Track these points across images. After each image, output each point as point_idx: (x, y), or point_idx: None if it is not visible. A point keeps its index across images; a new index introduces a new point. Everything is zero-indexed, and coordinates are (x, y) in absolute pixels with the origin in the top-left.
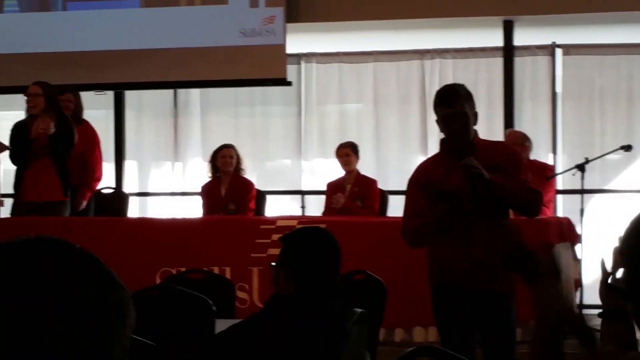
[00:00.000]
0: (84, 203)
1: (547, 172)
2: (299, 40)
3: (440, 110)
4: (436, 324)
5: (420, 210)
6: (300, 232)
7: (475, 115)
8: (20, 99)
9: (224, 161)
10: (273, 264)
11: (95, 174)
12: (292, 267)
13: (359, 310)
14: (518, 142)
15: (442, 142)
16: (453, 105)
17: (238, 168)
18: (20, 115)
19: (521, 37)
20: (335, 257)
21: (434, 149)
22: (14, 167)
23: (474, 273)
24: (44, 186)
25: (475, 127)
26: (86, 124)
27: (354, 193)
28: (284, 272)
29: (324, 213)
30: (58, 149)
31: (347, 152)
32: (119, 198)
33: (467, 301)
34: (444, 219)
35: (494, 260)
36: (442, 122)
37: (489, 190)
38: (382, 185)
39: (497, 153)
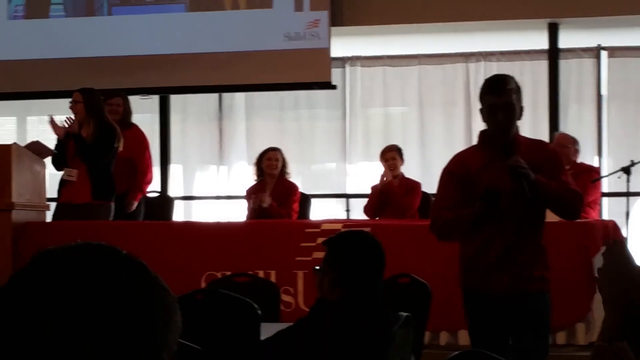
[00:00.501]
0: (134, 204)
1: (592, 175)
2: (344, 44)
3: (488, 99)
4: (468, 330)
5: (453, 203)
6: (344, 235)
7: (521, 109)
8: (67, 103)
9: (269, 164)
10: (317, 267)
11: (145, 177)
12: (336, 272)
13: (404, 314)
14: (567, 145)
15: (482, 134)
16: (501, 95)
17: (283, 171)
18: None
19: (566, 40)
20: (380, 261)
21: None
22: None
23: (500, 271)
24: (74, 189)
25: (519, 123)
26: (135, 128)
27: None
28: (328, 276)
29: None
30: (89, 153)
31: (394, 155)
32: (164, 202)
33: (499, 307)
34: (480, 219)
35: (523, 263)
36: (486, 112)
37: (534, 191)
38: (427, 188)
39: (538, 152)
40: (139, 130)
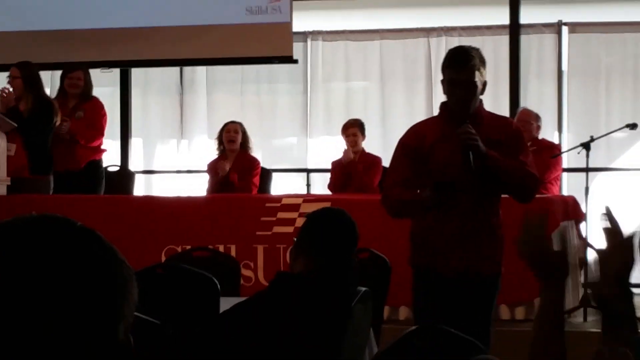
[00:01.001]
0: (65, 126)
1: (553, 151)
2: (305, 18)
3: (449, 73)
4: (412, 308)
5: (405, 177)
6: (322, 211)
7: (484, 83)
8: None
9: (229, 136)
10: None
11: (96, 138)
12: (304, 245)
13: (363, 288)
14: (530, 121)
15: (443, 105)
16: (461, 70)
17: (245, 145)
18: None
19: (527, 15)
20: (353, 238)
21: None
22: None
23: (449, 255)
24: (11, 163)
25: (482, 97)
26: (95, 100)
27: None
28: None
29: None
30: (26, 127)
31: (355, 131)
32: (124, 176)
33: (450, 288)
34: (429, 207)
35: (474, 241)
36: (446, 86)
37: (483, 164)
38: (387, 163)
39: (500, 128)
40: (99, 103)
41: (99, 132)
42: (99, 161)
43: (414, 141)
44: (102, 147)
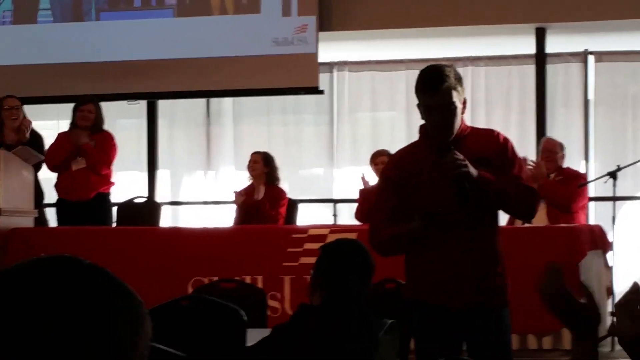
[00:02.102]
0: (83, 140)
1: (579, 180)
2: (332, 49)
3: (422, 98)
4: (415, 345)
5: (391, 214)
6: (336, 243)
7: (464, 102)
8: (57, 108)
9: (249, 166)
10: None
11: (103, 163)
12: (323, 277)
13: (389, 320)
14: (554, 150)
15: (422, 129)
16: (435, 94)
17: (273, 177)
18: (57, 124)
19: (553, 44)
20: (366, 268)
21: None
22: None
23: (455, 289)
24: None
25: (465, 119)
26: (106, 133)
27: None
28: (317, 282)
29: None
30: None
31: (384, 160)
32: (151, 207)
33: (451, 321)
34: (417, 239)
35: (480, 272)
36: (422, 111)
37: (478, 191)
38: None
39: (487, 144)
40: (110, 135)
41: (107, 161)
42: (107, 194)
43: (395, 171)
44: (111, 179)
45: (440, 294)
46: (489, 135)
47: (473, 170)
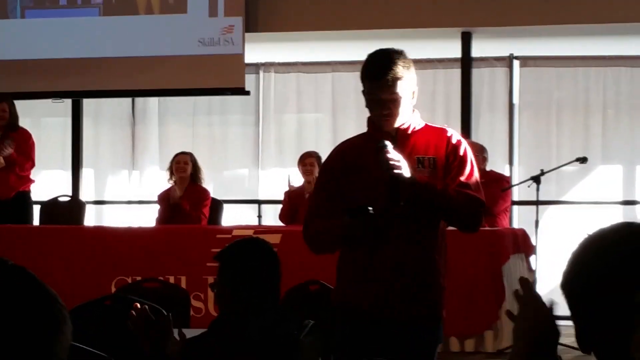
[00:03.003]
0: (7, 151)
1: (502, 184)
2: (258, 50)
3: (368, 86)
4: (335, 351)
5: (326, 207)
6: (234, 247)
7: (414, 93)
8: None
9: (179, 167)
10: (211, 284)
11: (25, 162)
12: (233, 284)
13: (310, 321)
14: (474, 153)
15: (369, 120)
16: (381, 80)
17: (196, 176)
18: None
19: (479, 49)
20: (275, 266)
21: None
22: None
23: (385, 298)
24: None
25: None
26: (22, 130)
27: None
28: (227, 290)
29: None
30: None
31: (312, 161)
32: (75, 206)
33: (377, 331)
34: (347, 237)
35: (414, 282)
36: (366, 100)
37: (412, 195)
38: None
39: (435, 143)
40: (27, 132)
41: (30, 160)
42: (28, 192)
43: (334, 163)
44: (32, 177)
45: (369, 301)
46: (440, 135)
47: (407, 173)
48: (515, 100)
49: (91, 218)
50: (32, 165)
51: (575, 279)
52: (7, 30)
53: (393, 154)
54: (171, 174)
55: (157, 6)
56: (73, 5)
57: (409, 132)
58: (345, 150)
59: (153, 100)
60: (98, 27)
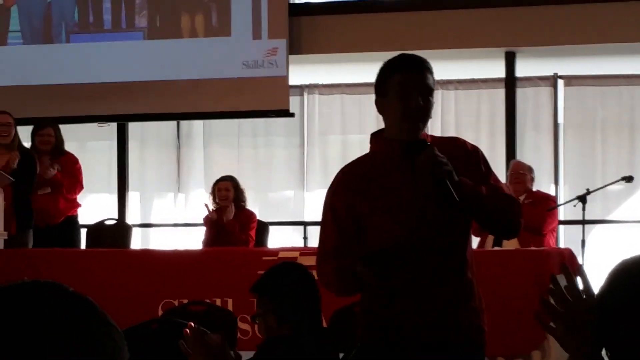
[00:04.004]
0: (51, 171)
1: (549, 203)
2: (302, 72)
3: (401, 77)
4: None
5: (337, 249)
6: (273, 273)
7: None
8: (27, 130)
9: (221, 195)
10: (253, 316)
11: (73, 188)
12: (280, 310)
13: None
14: (523, 172)
15: (375, 137)
16: (421, 69)
17: (239, 200)
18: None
19: (523, 68)
20: (315, 287)
21: None
22: None
23: (420, 326)
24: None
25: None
26: (68, 154)
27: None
28: (271, 318)
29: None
30: (17, 183)
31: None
32: (121, 229)
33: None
34: (371, 283)
35: (450, 309)
36: (396, 93)
37: (465, 195)
38: None
39: (453, 152)
40: (73, 157)
41: (78, 183)
42: (76, 216)
43: (346, 193)
44: (79, 201)
45: (402, 332)
46: (453, 144)
47: (454, 173)
48: (560, 119)
49: (137, 241)
50: (81, 188)
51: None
52: (52, 54)
53: (437, 152)
54: (214, 199)
55: (202, 29)
56: (118, 29)
57: (429, 142)
58: (358, 174)
59: (198, 123)
60: (143, 51)
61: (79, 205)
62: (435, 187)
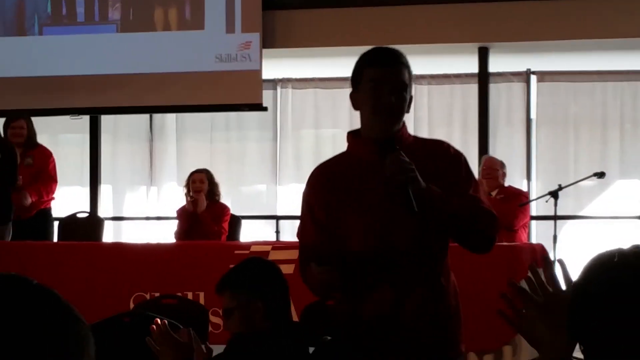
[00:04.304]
0: (28, 199)
1: (521, 199)
2: (275, 66)
3: (371, 72)
4: None
5: (316, 246)
6: (231, 273)
7: (411, 99)
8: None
9: (195, 186)
10: (227, 309)
11: (47, 185)
12: (265, 302)
13: (328, 338)
14: (495, 168)
15: (351, 135)
16: (393, 64)
17: (213, 193)
18: None
19: (496, 64)
20: (287, 285)
21: None
22: None
23: (394, 336)
24: None
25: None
26: (41, 147)
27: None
28: (261, 313)
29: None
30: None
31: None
32: (93, 222)
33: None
34: (330, 291)
35: (425, 318)
36: (367, 89)
37: (429, 205)
38: None
39: (435, 156)
40: (46, 150)
41: (54, 182)
42: (49, 209)
43: (323, 192)
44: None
45: (370, 333)
46: (437, 147)
47: (421, 180)
48: (533, 115)
49: (110, 234)
50: (56, 184)
51: (584, 295)
52: (25, 47)
53: (404, 157)
54: (188, 191)
55: (175, 22)
56: (91, 21)
57: (404, 143)
58: (334, 173)
59: (171, 117)
60: (115, 44)
61: (52, 198)
62: (399, 191)
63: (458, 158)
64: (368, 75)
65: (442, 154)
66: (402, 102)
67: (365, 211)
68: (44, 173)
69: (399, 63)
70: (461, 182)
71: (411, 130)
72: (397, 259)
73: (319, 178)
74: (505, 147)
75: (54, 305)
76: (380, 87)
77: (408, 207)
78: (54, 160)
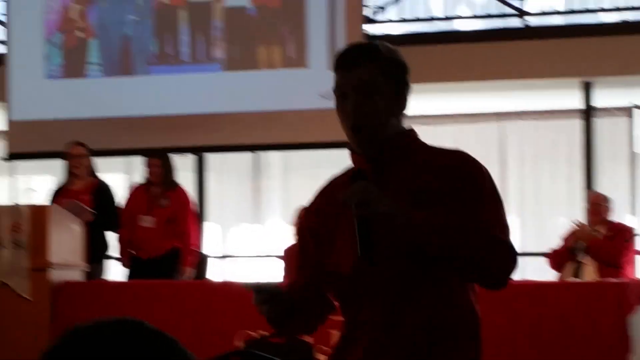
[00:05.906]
0: (187, 271)
1: (627, 233)
2: None
3: (337, 78)
4: None
5: (307, 275)
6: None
7: (403, 98)
8: (113, 162)
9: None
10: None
11: (190, 240)
12: None
13: None
14: (600, 203)
15: (349, 150)
16: (355, 67)
17: None
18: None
19: (599, 99)
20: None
21: (526, 208)
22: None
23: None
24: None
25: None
26: (178, 189)
27: None
28: None
29: None
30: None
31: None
32: (200, 261)
33: None
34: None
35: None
36: (335, 100)
37: (406, 237)
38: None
39: (443, 170)
40: (182, 191)
41: (192, 225)
42: (180, 248)
43: (308, 219)
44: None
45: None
46: (451, 159)
47: (392, 209)
48: (637, 149)
49: (216, 272)
50: (197, 229)
51: None
52: (131, 87)
53: (368, 187)
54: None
55: (279, 61)
56: (196, 60)
57: (406, 149)
58: (319, 199)
59: (275, 154)
60: (221, 82)
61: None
62: (355, 233)
63: (470, 174)
64: (335, 81)
65: (452, 168)
66: (373, 107)
67: (342, 240)
68: (183, 226)
69: (361, 62)
70: (469, 202)
71: (515, 165)
72: (380, 291)
73: (313, 200)
74: (610, 181)
75: (171, 352)
76: (345, 96)
77: (363, 255)
78: (189, 202)
